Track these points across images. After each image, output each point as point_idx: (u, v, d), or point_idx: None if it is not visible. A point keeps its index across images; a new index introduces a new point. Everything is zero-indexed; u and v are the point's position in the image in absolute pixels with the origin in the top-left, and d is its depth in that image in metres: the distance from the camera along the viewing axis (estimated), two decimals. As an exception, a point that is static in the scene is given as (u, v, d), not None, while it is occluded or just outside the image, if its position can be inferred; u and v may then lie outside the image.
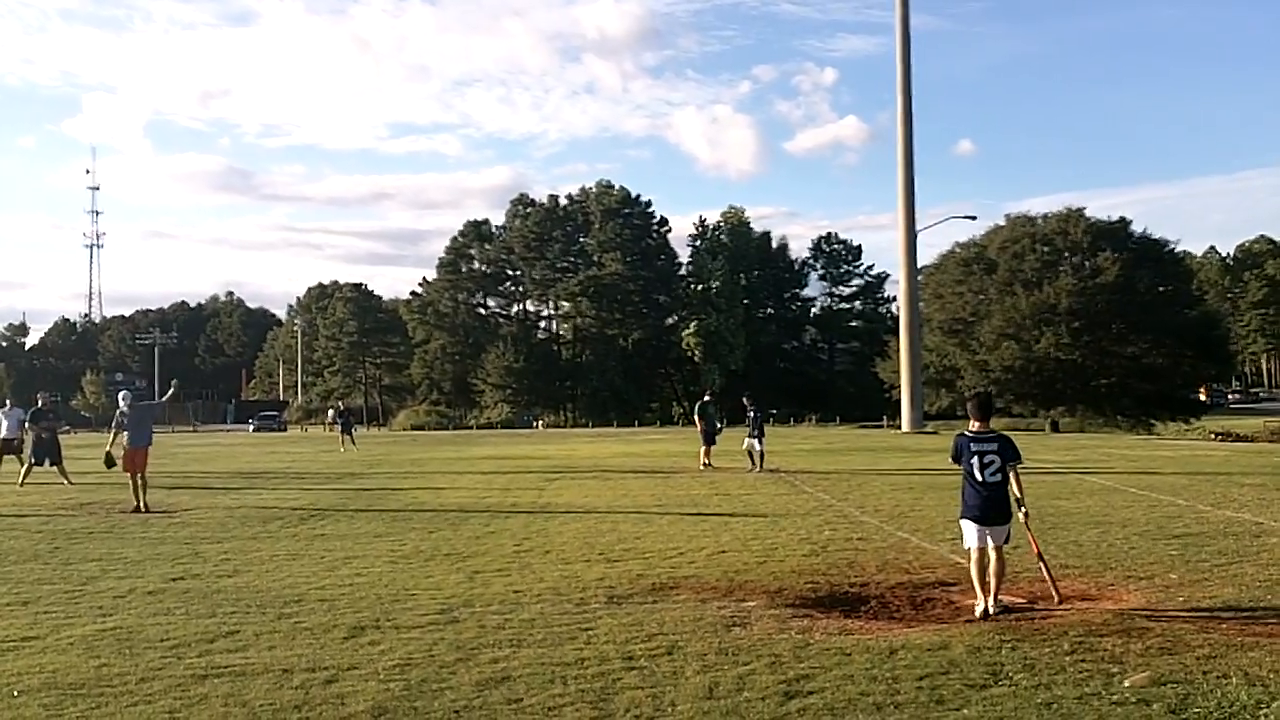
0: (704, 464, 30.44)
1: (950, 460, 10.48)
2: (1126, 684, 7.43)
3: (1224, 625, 9.34)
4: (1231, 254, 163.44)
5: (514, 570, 12.83)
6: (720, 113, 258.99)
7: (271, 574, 12.75)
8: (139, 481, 20.17)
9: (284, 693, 7.52)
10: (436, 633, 9.37)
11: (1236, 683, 7.44)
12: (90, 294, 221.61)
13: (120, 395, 21.96)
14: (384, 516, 18.99)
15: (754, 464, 28.46)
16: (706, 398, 32.84)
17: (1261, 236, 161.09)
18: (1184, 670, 7.79)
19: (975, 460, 10.13)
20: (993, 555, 10.00)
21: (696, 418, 32.28)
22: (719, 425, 32.34)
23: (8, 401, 31.17)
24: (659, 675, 7.88)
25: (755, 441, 28.90)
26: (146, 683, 7.81)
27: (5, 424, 29.47)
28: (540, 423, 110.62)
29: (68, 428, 59.98)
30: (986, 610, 9.79)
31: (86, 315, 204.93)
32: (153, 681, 7.84)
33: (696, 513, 18.94)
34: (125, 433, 20.67)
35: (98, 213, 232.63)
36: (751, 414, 29.43)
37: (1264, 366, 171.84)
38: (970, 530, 10.17)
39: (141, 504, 19.89)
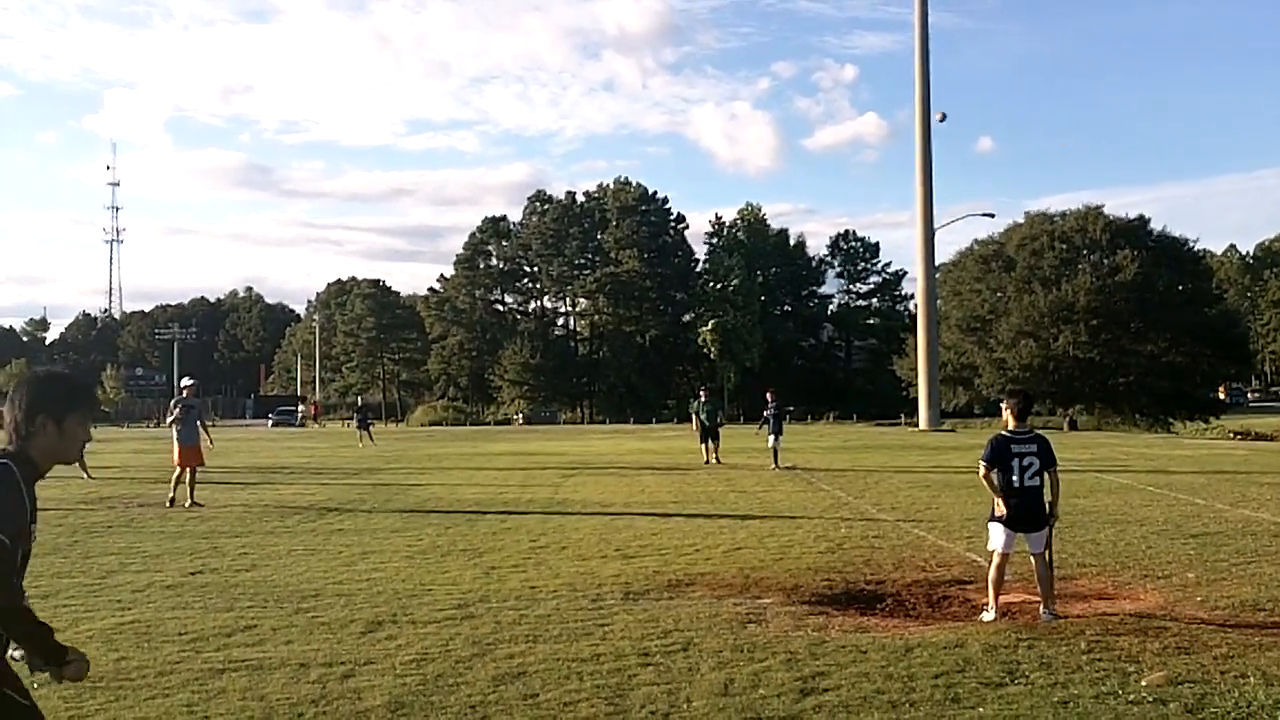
0: (705, 460, 30.64)
1: (983, 463, 9.93)
2: (1143, 683, 7.42)
3: (1242, 625, 9.32)
4: (1251, 252, 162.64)
5: (530, 566, 12.85)
6: (739, 109, 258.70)
7: (289, 569, 12.80)
8: (187, 477, 20.12)
9: (301, 687, 7.55)
10: (452, 628, 9.39)
11: (1254, 682, 7.42)
12: (110, 289, 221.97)
13: (186, 383, 21.79)
14: (400, 512, 19.03)
15: (774, 461, 28.50)
16: (702, 397, 33.04)
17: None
18: (1201, 670, 7.77)
19: (1015, 463, 9.80)
20: (1035, 563, 9.91)
21: (693, 416, 32.62)
22: (719, 422, 32.45)
23: None
24: (674, 671, 7.89)
25: (773, 438, 28.97)
26: (165, 676, 7.85)
27: None
28: (520, 417, 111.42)
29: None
30: (995, 616, 9.73)
31: (106, 310, 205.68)
32: (171, 675, 7.88)
33: (713, 509, 18.95)
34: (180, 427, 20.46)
35: (118, 208, 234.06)
36: (771, 411, 29.47)
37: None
38: (998, 534, 9.89)
39: (189, 499, 19.85)
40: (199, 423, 20.91)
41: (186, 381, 21.92)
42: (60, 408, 3.90)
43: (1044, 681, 7.53)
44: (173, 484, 20.22)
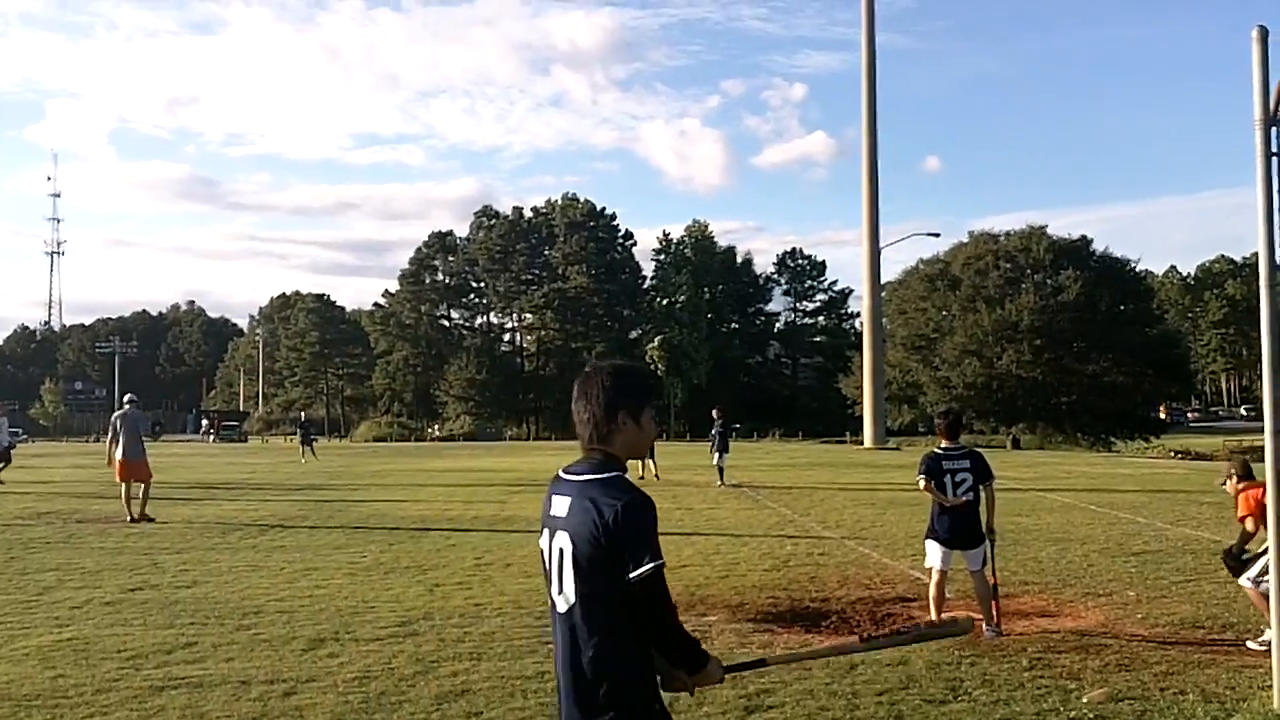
0: (640, 475, 30.83)
1: (920, 478, 10.06)
2: (1085, 700, 7.48)
3: (1182, 642, 9.41)
4: (1192, 273, 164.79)
5: (475, 583, 12.80)
6: (689, 126, 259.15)
7: (230, 585, 12.67)
8: (133, 492, 20.02)
9: (242, 705, 7.47)
10: (396, 645, 9.33)
11: (1193, 699, 7.50)
12: (50, 301, 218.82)
13: (126, 398, 21.66)
14: (344, 528, 18.89)
15: (719, 478, 28.52)
16: None
17: (1221, 256, 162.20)
18: (1141, 687, 7.84)
19: (948, 480, 9.90)
20: (974, 580, 9.97)
21: None
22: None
23: None
24: (619, 689, 7.85)
25: (718, 456, 29.00)
26: (103, 694, 7.75)
27: None
28: (436, 429, 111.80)
29: (25, 436, 58.78)
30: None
31: (46, 323, 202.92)
32: (110, 693, 7.78)
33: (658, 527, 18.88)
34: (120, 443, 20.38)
35: (59, 220, 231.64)
36: (717, 428, 29.53)
37: (1223, 385, 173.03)
38: (934, 551, 9.99)
39: (132, 514, 19.68)
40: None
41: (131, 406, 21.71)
42: (639, 402, 3.79)
43: (986, 699, 7.57)
44: (124, 499, 20.09)
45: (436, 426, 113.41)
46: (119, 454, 20.24)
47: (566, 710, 3.64)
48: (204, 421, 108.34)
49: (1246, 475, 9.75)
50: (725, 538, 17.17)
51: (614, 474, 3.65)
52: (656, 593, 3.50)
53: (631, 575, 3.46)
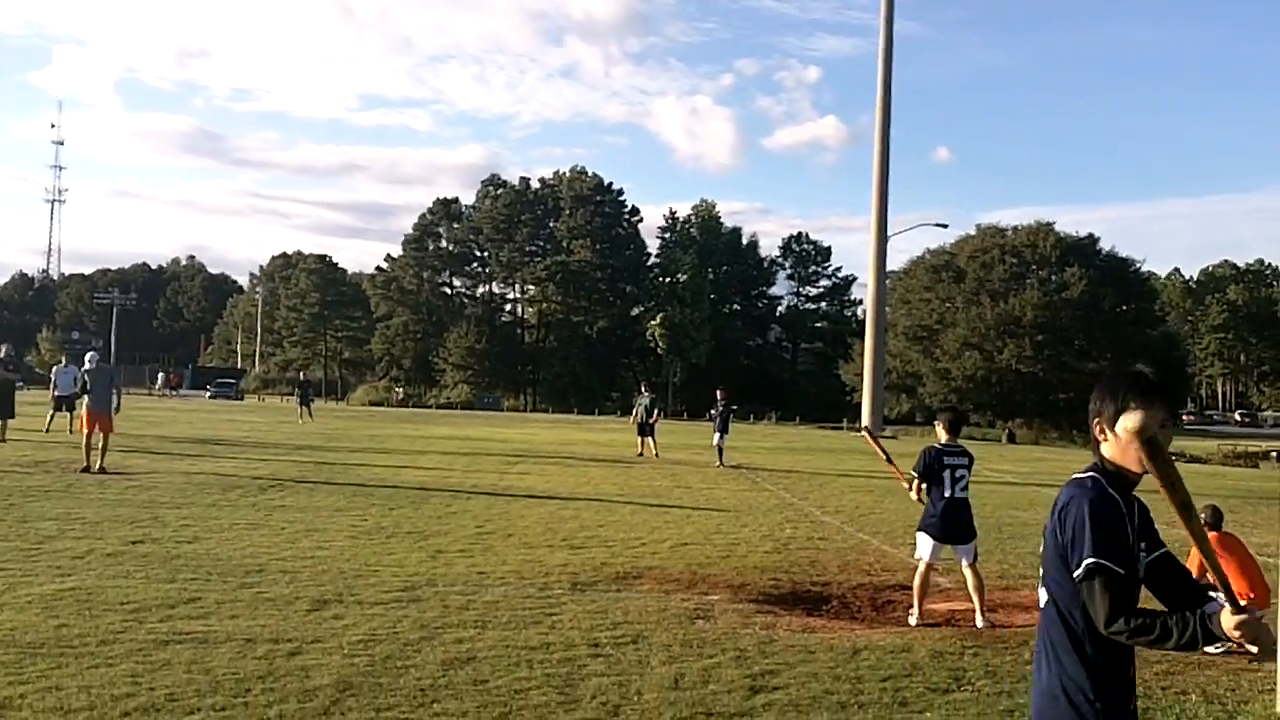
0: (639, 453, 31.06)
1: (914, 471, 10.20)
2: (1087, 696, 7.49)
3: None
4: (1194, 277, 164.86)
5: (476, 551, 12.82)
6: (701, 104, 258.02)
7: (232, 543, 12.67)
8: (93, 442, 20.08)
9: (248, 662, 7.48)
10: (400, 610, 9.35)
11: (1194, 699, 7.53)
12: (49, 250, 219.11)
13: (87, 356, 21.84)
14: (344, 490, 18.88)
15: (718, 459, 28.58)
16: (643, 392, 33.61)
17: (1225, 261, 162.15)
18: (1143, 685, 7.84)
19: (947, 474, 10.04)
20: (968, 574, 10.05)
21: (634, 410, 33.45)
22: (652, 419, 32.58)
23: None
24: (625, 664, 7.89)
25: (718, 436, 29.05)
26: (108, 645, 7.76)
27: None
28: (401, 390, 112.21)
29: (24, 384, 58.39)
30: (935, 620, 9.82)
31: (44, 271, 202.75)
32: (114, 644, 7.79)
33: (659, 504, 18.96)
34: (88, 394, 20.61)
35: (61, 168, 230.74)
36: (719, 409, 29.58)
37: (1219, 390, 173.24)
38: (925, 544, 10.11)
39: (92, 464, 19.77)
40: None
41: (96, 358, 21.85)
42: (1110, 409, 3.57)
43: (990, 689, 7.60)
44: (84, 449, 20.19)
45: (400, 389, 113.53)
46: (88, 404, 20.48)
47: (1036, 704, 3.52)
48: (160, 375, 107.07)
49: (1215, 524, 9.82)
50: (725, 518, 17.22)
51: (1087, 474, 3.54)
52: (1093, 595, 3.33)
53: (1074, 575, 3.36)
